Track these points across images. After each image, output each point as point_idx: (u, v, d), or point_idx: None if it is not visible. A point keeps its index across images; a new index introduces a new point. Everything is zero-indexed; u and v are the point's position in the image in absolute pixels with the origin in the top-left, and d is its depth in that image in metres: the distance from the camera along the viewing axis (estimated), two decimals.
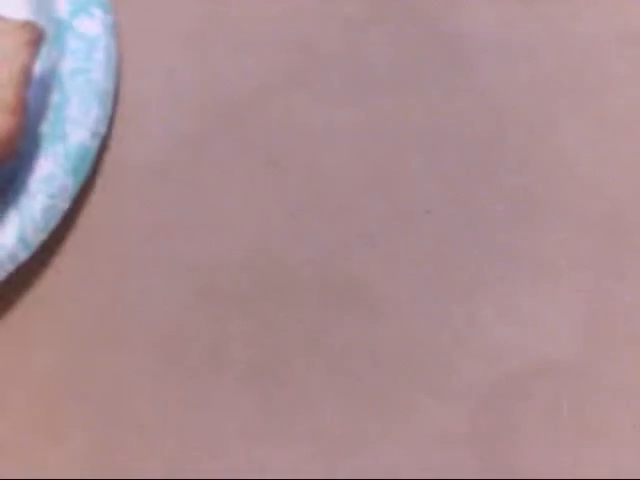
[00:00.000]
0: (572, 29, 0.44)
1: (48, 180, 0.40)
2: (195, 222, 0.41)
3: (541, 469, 0.36)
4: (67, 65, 0.42)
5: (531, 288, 0.39)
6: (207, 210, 0.41)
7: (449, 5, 0.45)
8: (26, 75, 0.40)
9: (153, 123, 0.43)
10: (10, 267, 0.38)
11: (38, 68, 0.43)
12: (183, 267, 0.40)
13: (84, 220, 0.41)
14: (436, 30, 0.44)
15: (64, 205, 0.40)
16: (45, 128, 0.41)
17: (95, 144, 0.41)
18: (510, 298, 0.39)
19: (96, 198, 0.42)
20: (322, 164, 0.42)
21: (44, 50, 0.43)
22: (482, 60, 0.43)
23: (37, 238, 0.39)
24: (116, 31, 0.44)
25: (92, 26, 0.43)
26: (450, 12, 0.44)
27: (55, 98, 0.42)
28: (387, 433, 0.37)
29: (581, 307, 0.39)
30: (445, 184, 0.41)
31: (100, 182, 0.42)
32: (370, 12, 0.45)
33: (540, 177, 0.41)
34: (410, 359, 0.38)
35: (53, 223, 0.39)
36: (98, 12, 0.44)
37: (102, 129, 0.42)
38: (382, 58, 0.44)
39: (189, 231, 0.41)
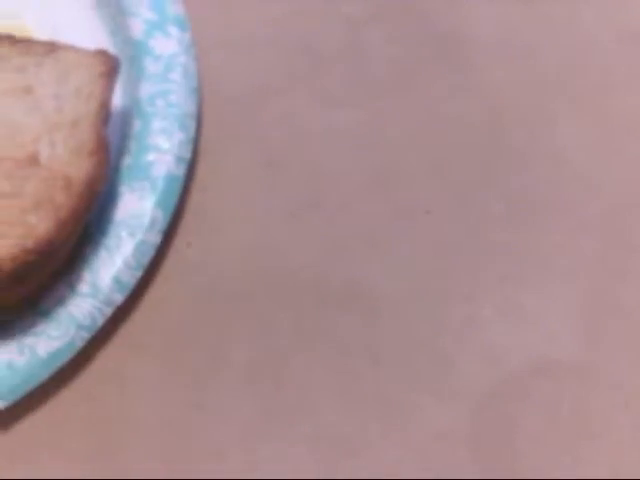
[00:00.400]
0: (572, 29, 0.44)
1: (136, 216, 0.38)
2: (196, 222, 0.41)
3: (541, 469, 0.36)
4: (145, 89, 0.40)
5: (531, 288, 0.39)
6: (207, 210, 0.41)
7: (449, 5, 0.45)
8: (104, 111, 0.37)
9: None
10: (108, 311, 0.37)
11: (116, 97, 0.40)
12: (185, 267, 0.40)
13: None
14: (436, 30, 0.44)
15: (156, 240, 0.38)
16: (127, 159, 0.39)
17: (181, 172, 0.39)
18: (510, 298, 0.39)
19: None
20: (322, 164, 0.42)
21: (121, 77, 0.40)
22: (482, 60, 0.43)
23: (132, 277, 0.37)
24: (194, 49, 0.41)
25: (168, 45, 0.41)
26: (450, 12, 0.44)
27: (136, 126, 0.40)
28: (387, 433, 0.37)
29: (581, 307, 0.39)
30: (445, 184, 0.41)
31: None
32: (370, 12, 0.45)
33: (540, 177, 0.41)
34: (410, 359, 0.38)
35: (147, 259, 0.37)
36: (174, 30, 0.41)
37: (187, 155, 0.40)
38: (382, 58, 0.44)
39: (190, 231, 0.41)
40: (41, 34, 0.42)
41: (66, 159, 0.36)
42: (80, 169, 0.36)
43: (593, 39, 0.44)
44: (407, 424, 0.37)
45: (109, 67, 0.38)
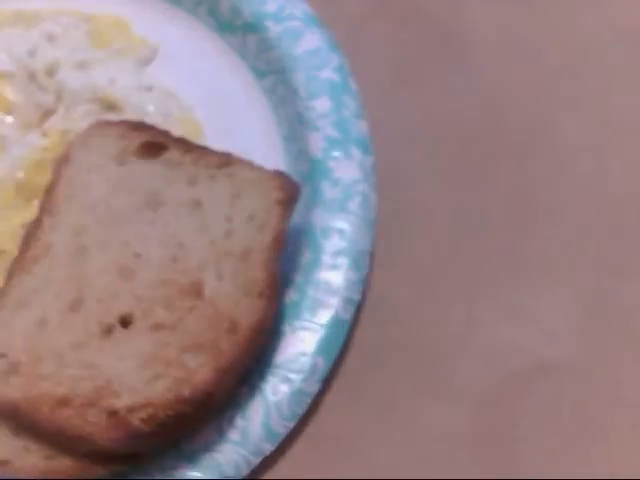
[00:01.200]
0: (572, 29, 0.44)
1: (296, 360, 0.34)
2: None
3: (541, 469, 0.36)
4: (319, 217, 0.37)
5: (531, 288, 0.39)
6: None
7: (449, 5, 0.45)
8: (278, 246, 0.33)
9: None
10: (255, 461, 0.34)
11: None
12: None
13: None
14: (436, 30, 0.44)
15: (313, 389, 0.34)
16: (292, 295, 0.36)
17: (349, 315, 0.36)
18: (510, 298, 0.39)
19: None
20: None
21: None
22: (482, 60, 0.43)
23: (284, 428, 0.34)
24: (374, 177, 0.38)
25: (349, 169, 0.37)
26: (450, 12, 0.44)
27: (305, 257, 0.36)
28: (387, 433, 0.37)
29: (581, 307, 0.39)
30: (445, 184, 0.41)
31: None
32: (370, 11, 0.45)
33: (540, 177, 0.41)
34: (410, 359, 0.38)
35: (302, 410, 0.34)
36: (357, 152, 0.38)
37: (357, 296, 0.36)
38: (382, 58, 0.44)
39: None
40: (211, 131, 0.40)
41: (233, 298, 0.33)
42: (247, 312, 0.32)
43: (593, 39, 0.44)
44: (407, 424, 0.37)
45: (288, 194, 0.34)
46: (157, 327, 0.33)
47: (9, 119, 0.40)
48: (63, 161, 0.36)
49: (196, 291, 0.33)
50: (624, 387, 0.37)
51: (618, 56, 0.43)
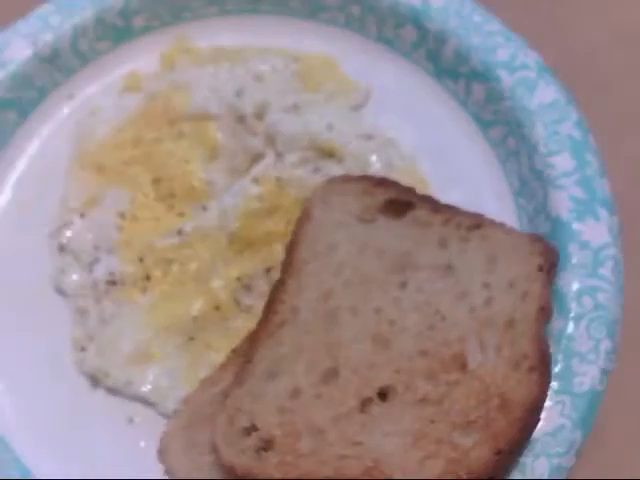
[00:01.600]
0: (572, 29, 0.44)
1: (555, 434, 0.32)
2: None
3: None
4: (567, 282, 0.34)
5: None
6: None
7: None
8: (544, 316, 0.32)
9: None
10: None
11: None
12: None
13: None
14: None
15: (570, 464, 0.32)
16: None
17: (603, 386, 0.33)
18: None
19: None
20: None
21: None
22: None
23: None
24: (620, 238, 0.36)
25: (598, 232, 0.35)
26: None
27: (555, 325, 0.34)
28: None
29: None
30: None
31: None
32: None
33: None
34: None
35: None
36: (604, 213, 0.36)
37: (610, 366, 0.34)
38: None
39: None
40: (435, 183, 0.38)
41: (500, 372, 0.31)
42: (519, 389, 0.31)
43: (593, 39, 0.44)
44: None
45: (548, 260, 0.33)
46: (421, 402, 0.31)
47: (216, 164, 0.37)
48: (304, 219, 0.34)
49: (459, 364, 0.31)
50: (624, 387, 0.37)
51: (618, 56, 0.43)
